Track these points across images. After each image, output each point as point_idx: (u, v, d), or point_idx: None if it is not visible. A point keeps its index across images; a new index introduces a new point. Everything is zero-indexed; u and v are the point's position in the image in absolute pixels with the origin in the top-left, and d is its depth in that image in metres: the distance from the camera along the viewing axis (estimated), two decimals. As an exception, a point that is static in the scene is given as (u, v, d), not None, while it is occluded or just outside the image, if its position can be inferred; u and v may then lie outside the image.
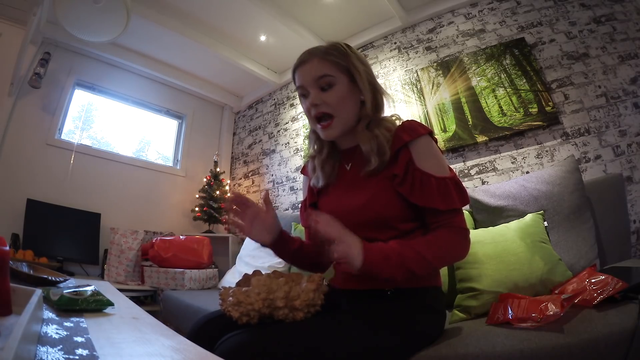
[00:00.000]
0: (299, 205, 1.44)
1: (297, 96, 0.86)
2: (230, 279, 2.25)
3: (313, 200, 0.92)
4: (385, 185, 0.77)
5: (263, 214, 0.80)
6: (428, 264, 0.68)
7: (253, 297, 0.57)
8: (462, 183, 0.77)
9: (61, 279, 0.85)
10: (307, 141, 0.94)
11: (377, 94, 0.83)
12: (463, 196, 0.75)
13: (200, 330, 0.73)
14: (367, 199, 0.77)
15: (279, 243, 0.84)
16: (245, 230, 0.79)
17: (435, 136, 0.81)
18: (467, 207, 1.54)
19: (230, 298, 0.59)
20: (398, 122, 0.83)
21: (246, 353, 0.56)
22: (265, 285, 0.59)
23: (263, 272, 0.74)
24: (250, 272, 0.76)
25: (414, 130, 0.77)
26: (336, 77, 0.79)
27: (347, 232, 0.67)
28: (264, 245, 0.83)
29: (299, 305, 0.59)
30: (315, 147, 0.89)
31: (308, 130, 3.03)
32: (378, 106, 0.84)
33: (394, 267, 0.65)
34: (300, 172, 1.01)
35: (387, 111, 0.89)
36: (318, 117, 0.81)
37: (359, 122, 0.82)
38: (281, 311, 0.58)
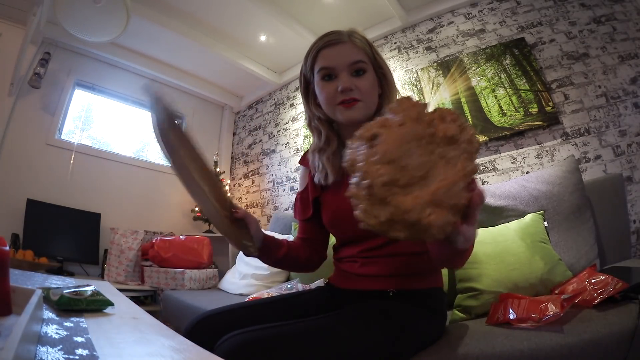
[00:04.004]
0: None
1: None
2: (230, 278, 2.25)
3: (316, 194, 0.87)
4: None
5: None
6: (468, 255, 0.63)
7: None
8: None
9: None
10: (306, 139, 0.91)
11: (391, 91, 0.82)
12: None
13: (197, 327, 0.73)
14: None
15: (265, 250, 0.81)
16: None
17: None
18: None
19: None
20: None
21: (248, 353, 0.55)
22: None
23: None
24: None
25: None
26: (368, 65, 0.78)
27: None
28: (249, 255, 0.79)
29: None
30: (323, 138, 0.84)
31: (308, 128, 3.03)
32: (387, 101, 0.82)
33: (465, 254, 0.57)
34: (299, 162, 0.96)
35: None
36: (345, 102, 0.76)
37: (373, 115, 0.80)
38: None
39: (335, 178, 0.82)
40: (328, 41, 0.78)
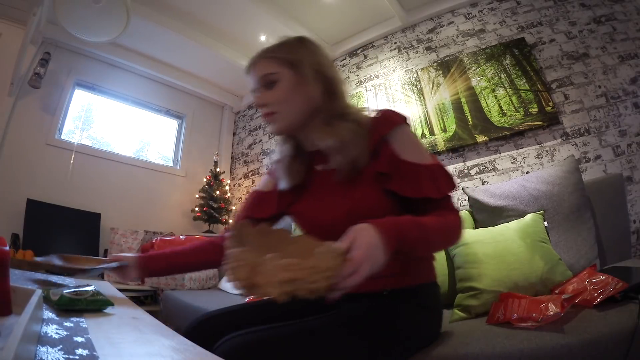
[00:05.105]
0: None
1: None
2: (230, 279, 2.25)
3: (281, 209, 0.85)
4: (368, 185, 0.72)
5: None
6: (436, 243, 0.68)
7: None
8: (446, 167, 0.72)
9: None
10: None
11: (329, 83, 0.76)
12: (451, 181, 0.71)
13: (197, 329, 0.73)
14: (350, 205, 0.71)
15: (145, 272, 0.97)
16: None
17: (410, 122, 0.77)
18: (467, 207, 1.54)
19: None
20: (370, 114, 0.77)
21: (247, 353, 0.56)
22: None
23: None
24: None
25: (391, 121, 0.73)
26: (279, 72, 0.75)
27: (359, 238, 0.55)
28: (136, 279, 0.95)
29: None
30: (280, 148, 0.86)
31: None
32: (332, 95, 0.76)
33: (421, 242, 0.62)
34: (267, 173, 0.95)
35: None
36: (265, 118, 0.78)
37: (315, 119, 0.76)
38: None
39: (291, 182, 0.81)
40: (247, 66, 0.80)
